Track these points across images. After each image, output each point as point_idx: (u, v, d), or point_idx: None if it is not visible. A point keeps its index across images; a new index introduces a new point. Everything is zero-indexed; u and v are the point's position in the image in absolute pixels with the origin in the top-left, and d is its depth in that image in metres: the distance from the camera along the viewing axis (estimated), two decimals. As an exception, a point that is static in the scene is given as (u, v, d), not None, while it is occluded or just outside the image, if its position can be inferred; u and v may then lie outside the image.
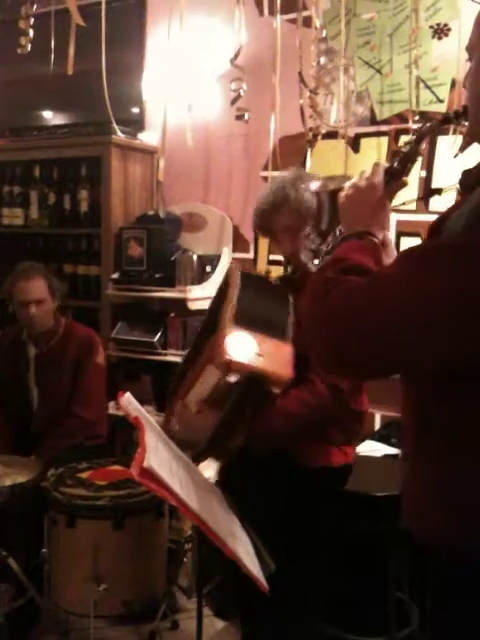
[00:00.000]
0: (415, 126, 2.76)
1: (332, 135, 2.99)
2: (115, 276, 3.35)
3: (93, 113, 3.45)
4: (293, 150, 3.09)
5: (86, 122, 3.60)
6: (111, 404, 3.11)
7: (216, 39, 3.28)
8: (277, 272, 2.84)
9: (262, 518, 1.71)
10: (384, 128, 2.97)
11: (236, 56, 2.74)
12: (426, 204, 2.80)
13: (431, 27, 2.81)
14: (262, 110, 2.98)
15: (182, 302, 3.15)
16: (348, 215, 1.26)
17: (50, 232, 3.62)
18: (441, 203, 1.17)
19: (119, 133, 3.24)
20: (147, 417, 1.73)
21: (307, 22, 2.86)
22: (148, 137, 3.58)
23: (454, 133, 2.69)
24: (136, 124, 3.56)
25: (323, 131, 2.96)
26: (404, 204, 1.48)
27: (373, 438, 2.78)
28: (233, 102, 2.82)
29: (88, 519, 2.25)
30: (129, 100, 3.57)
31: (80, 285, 3.52)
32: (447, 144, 2.74)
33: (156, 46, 3.49)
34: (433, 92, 2.83)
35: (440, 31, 2.80)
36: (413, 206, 2.78)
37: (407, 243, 2.83)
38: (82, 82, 3.11)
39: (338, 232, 1.31)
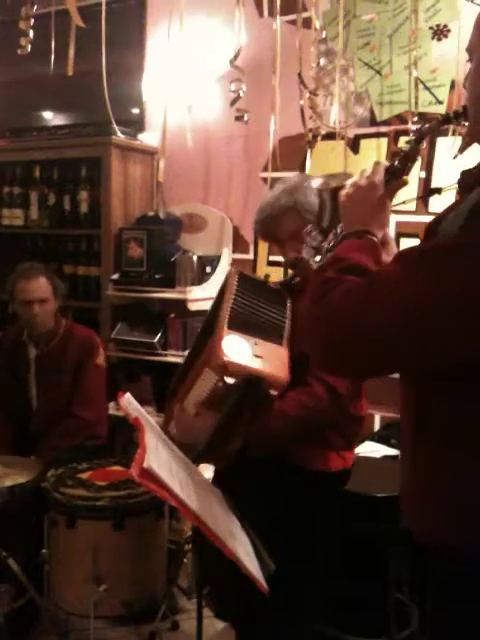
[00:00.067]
0: (414, 127, 2.76)
1: (332, 136, 2.99)
2: (115, 277, 3.35)
3: (93, 114, 3.45)
4: (293, 151, 3.09)
5: (86, 123, 3.60)
6: (111, 405, 3.12)
7: (216, 40, 3.28)
8: (276, 276, 2.84)
9: (261, 519, 1.71)
10: (384, 129, 2.98)
11: (236, 57, 2.74)
12: (426, 204, 2.80)
13: (431, 28, 2.82)
14: (262, 111, 2.98)
15: (182, 303, 3.15)
16: (348, 214, 1.27)
17: (50, 233, 3.62)
18: (441, 205, 1.17)
19: (119, 134, 3.24)
20: (147, 418, 1.73)
21: (307, 23, 2.86)
22: (148, 138, 3.58)
23: (453, 134, 2.70)
24: (136, 125, 3.56)
25: (323, 132, 2.96)
26: (404, 202, 1.49)
27: (373, 439, 2.78)
28: (233, 103, 2.82)
29: (88, 520, 2.25)
30: (129, 101, 3.57)
31: (80, 286, 3.52)
32: (447, 145, 2.74)
33: (156, 47, 3.49)
34: (432, 93, 2.83)
35: (440, 32, 2.81)
36: (413, 207, 2.79)
37: (406, 244, 2.83)
38: (82, 83, 3.11)
39: (339, 229, 1.31)
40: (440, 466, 1.07)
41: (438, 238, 1.06)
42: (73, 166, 3.49)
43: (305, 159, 3.06)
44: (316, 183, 1.47)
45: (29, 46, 2.77)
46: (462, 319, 0.95)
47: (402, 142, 2.88)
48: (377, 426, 2.97)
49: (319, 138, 2.98)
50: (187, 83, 3.02)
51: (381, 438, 2.77)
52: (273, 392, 1.61)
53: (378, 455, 2.63)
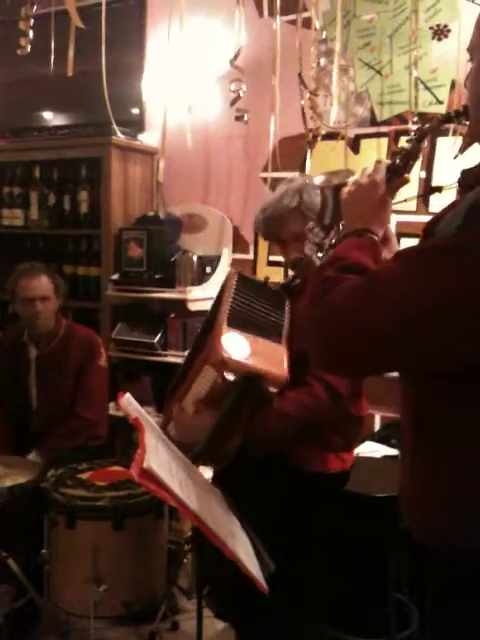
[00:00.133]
0: (415, 127, 2.76)
1: (332, 136, 2.99)
2: (115, 277, 3.35)
3: (93, 114, 3.46)
4: (293, 151, 3.09)
5: (86, 123, 3.60)
6: (111, 405, 3.12)
7: (216, 40, 3.28)
8: (277, 277, 2.84)
9: (260, 519, 1.71)
10: (384, 129, 2.98)
11: (236, 57, 2.74)
12: (426, 203, 2.80)
13: (431, 28, 2.82)
14: (262, 111, 2.98)
15: (182, 303, 3.15)
16: (349, 212, 1.28)
17: (50, 233, 3.62)
18: (441, 205, 1.17)
19: (119, 134, 3.25)
20: (147, 418, 1.73)
21: (307, 23, 2.86)
22: (148, 138, 3.58)
23: (454, 134, 2.70)
24: (136, 125, 3.57)
25: (323, 132, 2.96)
26: (405, 201, 1.49)
27: (373, 439, 2.78)
28: (232, 103, 2.83)
29: (88, 520, 2.25)
30: (129, 101, 3.57)
31: (80, 286, 3.52)
32: (447, 145, 2.74)
33: (156, 47, 3.49)
34: (433, 93, 2.83)
35: (440, 32, 2.81)
36: (413, 207, 2.79)
37: (407, 244, 2.81)
38: (82, 83, 3.11)
39: (341, 226, 1.32)
40: (440, 466, 1.07)
41: (436, 238, 1.07)
42: (73, 166, 3.50)
43: (305, 159, 3.06)
44: (318, 180, 1.48)
45: (29, 46, 2.77)
46: (460, 319, 0.95)
47: (402, 142, 2.88)
48: (377, 426, 2.97)
49: (319, 138, 2.98)
50: (187, 83, 3.02)
51: (381, 438, 2.77)
52: (272, 390, 1.61)
53: (378, 455, 2.62)
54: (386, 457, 2.60)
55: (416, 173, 2.80)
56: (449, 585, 1.08)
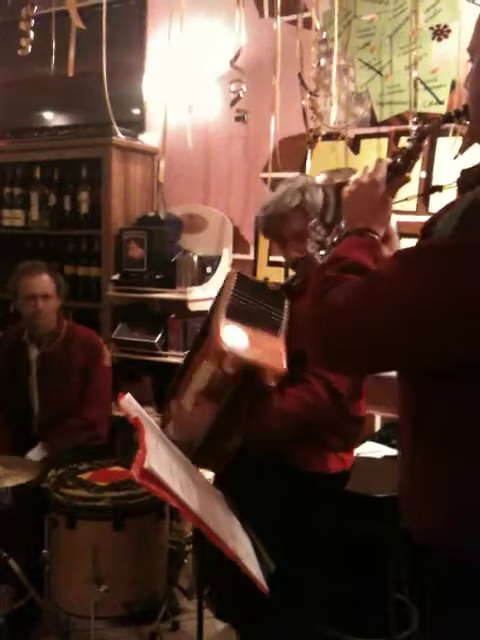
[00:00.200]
0: (415, 127, 2.76)
1: (332, 136, 2.99)
2: (115, 277, 3.35)
3: (94, 114, 3.46)
4: (293, 151, 3.09)
5: (87, 123, 3.60)
6: (112, 405, 3.12)
7: (216, 40, 3.28)
8: (276, 277, 2.84)
9: (261, 520, 1.71)
10: (384, 129, 2.98)
11: (236, 57, 2.75)
12: (426, 203, 2.80)
13: (431, 28, 2.82)
14: (262, 111, 2.99)
15: (183, 303, 3.15)
16: (350, 211, 1.28)
17: (50, 233, 3.62)
18: (441, 205, 1.17)
19: (120, 134, 3.25)
20: (147, 418, 1.73)
21: (307, 24, 2.87)
22: (148, 138, 3.58)
23: (454, 134, 2.70)
24: (136, 125, 3.57)
25: (323, 132, 2.96)
26: (406, 199, 1.49)
27: (373, 439, 2.78)
28: (233, 103, 2.83)
29: (88, 520, 2.25)
30: (130, 101, 3.57)
31: (80, 286, 3.52)
32: (447, 145, 2.74)
33: (156, 47, 3.49)
34: (433, 94, 2.83)
35: (440, 32, 2.81)
36: (413, 207, 2.79)
37: (407, 244, 2.81)
38: (83, 83, 3.12)
39: (343, 224, 1.32)
40: (439, 466, 1.07)
41: (434, 238, 1.07)
42: (73, 167, 3.50)
43: (305, 159, 3.06)
44: (320, 178, 1.48)
45: (30, 47, 2.78)
46: (457, 319, 0.96)
47: (403, 142, 2.88)
48: (377, 426, 2.97)
49: (319, 138, 2.98)
50: (187, 83, 3.02)
51: (381, 438, 2.77)
52: (271, 383, 1.61)
53: (378, 455, 2.62)
54: (386, 457, 2.60)
55: (416, 173, 2.80)
56: (448, 585, 1.08)
